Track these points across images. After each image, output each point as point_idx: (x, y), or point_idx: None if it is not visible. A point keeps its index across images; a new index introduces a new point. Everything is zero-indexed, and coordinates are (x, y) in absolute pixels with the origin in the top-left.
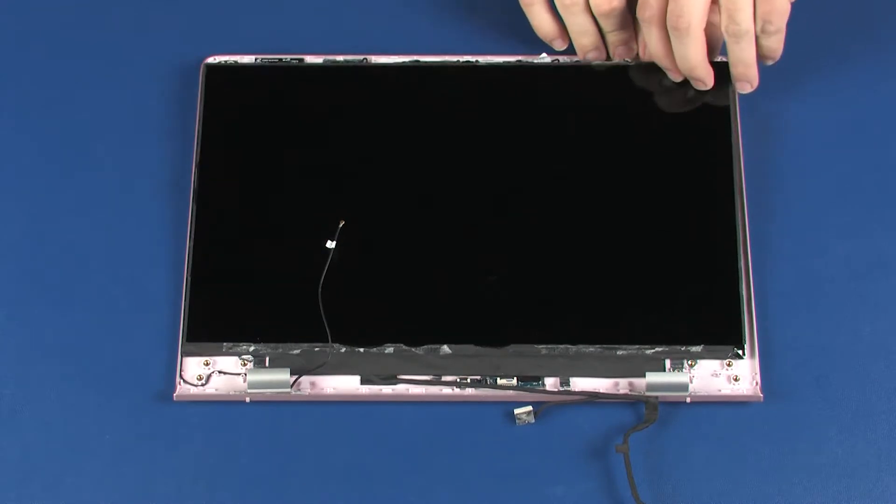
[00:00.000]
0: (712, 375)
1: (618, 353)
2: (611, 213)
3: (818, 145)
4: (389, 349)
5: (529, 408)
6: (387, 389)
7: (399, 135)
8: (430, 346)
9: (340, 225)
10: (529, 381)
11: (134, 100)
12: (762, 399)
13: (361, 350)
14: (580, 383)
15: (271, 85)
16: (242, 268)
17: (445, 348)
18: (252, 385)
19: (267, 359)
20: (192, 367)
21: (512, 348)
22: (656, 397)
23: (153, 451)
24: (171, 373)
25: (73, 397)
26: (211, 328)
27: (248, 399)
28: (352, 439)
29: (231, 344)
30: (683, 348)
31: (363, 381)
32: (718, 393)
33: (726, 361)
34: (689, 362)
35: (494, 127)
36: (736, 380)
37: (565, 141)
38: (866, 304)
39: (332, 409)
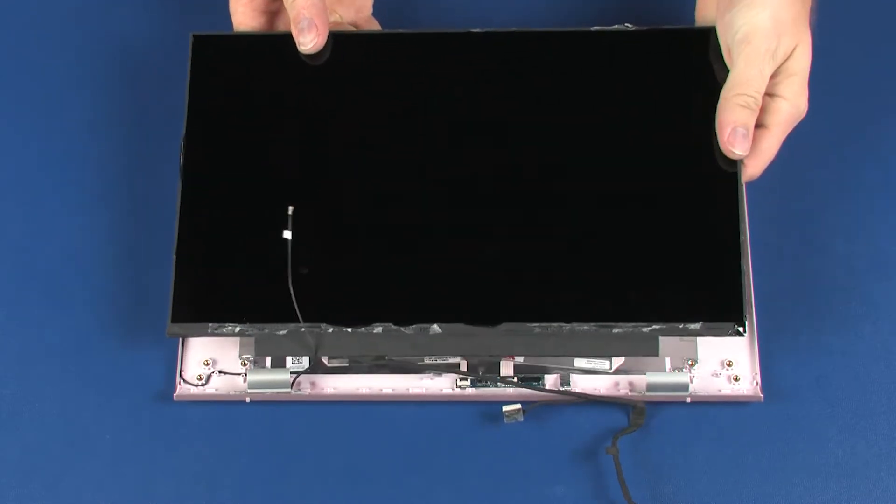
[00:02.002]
0: (712, 375)
1: (614, 331)
2: (608, 187)
3: (818, 145)
4: (378, 329)
5: (518, 406)
6: (387, 389)
7: (389, 107)
8: (419, 325)
9: (290, 211)
10: (529, 380)
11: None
12: (762, 399)
13: (349, 330)
14: (579, 380)
15: (261, 56)
16: (230, 247)
17: (435, 327)
18: (252, 385)
19: (268, 360)
20: (193, 367)
21: (504, 327)
22: (644, 402)
23: (153, 451)
24: (171, 373)
25: (73, 397)
26: (196, 309)
27: (248, 399)
28: (352, 439)
29: (217, 325)
30: (682, 325)
31: (351, 363)
32: (718, 393)
33: (727, 361)
34: (689, 362)
35: (487, 100)
36: (736, 380)
37: (562, 114)
38: (866, 304)
39: (332, 409)
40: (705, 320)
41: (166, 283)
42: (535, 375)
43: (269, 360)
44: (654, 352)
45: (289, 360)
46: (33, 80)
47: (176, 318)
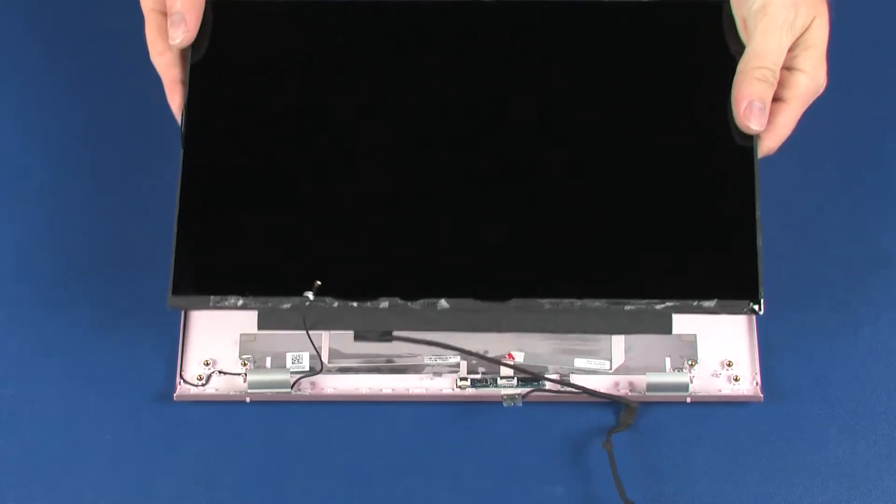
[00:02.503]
0: (712, 375)
1: (626, 308)
2: (622, 163)
3: (818, 145)
4: (384, 303)
5: (518, 390)
6: (386, 389)
7: (399, 76)
8: (426, 300)
9: (317, 284)
10: (529, 380)
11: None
12: (762, 399)
13: (355, 304)
14: (579, 380)
15: (277, 23)
16: (233, 219)
17: (443, 303)
18: (252, 385)
19: (268, 360)
20: (193, 367)
21: (514, 303)
22: (637, 403)
23: (153, 451)
24: (171, 373)
25: (73, 397)
26: (198, 281)
27: (248, 399)
28: (352, 439)
29: (219, 297)
30: (695, 303)
31: (357, 338)
32: (718, 393)
33: (727, 361)
34: (689, 362)
35: (499, 68)
36: (736, 380)
37: (573, 87)
38: (866, 304)
39: (332, 409)
40: (720, 298)
41: (166, 283)
42: (536, 376)
43: (269, 360)
44: (667, 329)
45: (289, 360)
46: (33, 79)
47: (177, 291)
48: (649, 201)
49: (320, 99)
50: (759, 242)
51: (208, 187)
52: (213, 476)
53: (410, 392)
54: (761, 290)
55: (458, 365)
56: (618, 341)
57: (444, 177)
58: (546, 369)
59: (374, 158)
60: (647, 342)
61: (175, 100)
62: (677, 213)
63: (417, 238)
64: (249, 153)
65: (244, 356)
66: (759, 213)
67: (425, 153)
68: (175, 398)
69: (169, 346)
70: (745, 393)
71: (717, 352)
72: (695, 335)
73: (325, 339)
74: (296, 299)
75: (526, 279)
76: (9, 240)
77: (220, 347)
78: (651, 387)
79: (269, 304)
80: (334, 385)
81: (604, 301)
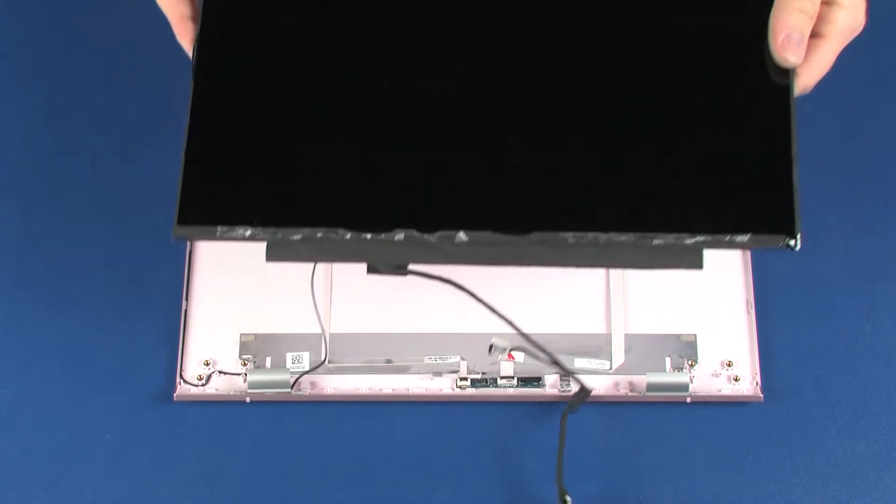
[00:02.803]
0: (712, 375)
1: (654, 242)
2: (654, 93)
3: (818, 145)
4: (399, 235)
5: (509, 343)
6: (387, 389)
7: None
8: (444, 232)
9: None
10: (529, 380)
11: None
12: (762, 399)
13: (368, 236)
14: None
15: None
16: (243, 148)
17: (461, 235)
18: (252, 385)
19: (268, 360)
20: (193, 367)
21: (535, 236)
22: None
23: (153, 451)
24: (171, 373)
25: (73, 397)
26: (205, 210)
27: (248, 399)
28: (352, 439)
29: (226, 227)
30: (728, 237)
31: (369, 271)
32: (718, 393)
33: (727, 361)
34: (689, 362)
35: None
36: (736, 380)
37: (606, 18)
38: (866, 304)
39: (332, 408)
40: (754, 232)
41: (167, 282)
42: (535, 376)
43: (268, 360)
44: (697, 264)
45: (289, 360)
46: (32, 78)
47: (183, 220)
48: (682, 133)
49: (336, 26)
50: (796, 178)
51: (218, 116)
52: (213, 476)
53: (410, 392)
54: (798, 224)
55: (458, 365)
56: (618, 341)
57: (464, 106)
58: (544, 369)
59: (390, 84)
60: (647, 342)
61: (186, 35)
62: (710, 146)
63: (435, 167)
64: (261, 83)
65: (244, 356)
66: (795, 149)
67: (447, 78)
68: (175, 398)
69: (169, 347)
70: (745, 393)
71: (717, 352)
72: (695, 335)
73: (324, 339)
74: (307, 230)
75: (549, 210)
76: (9, 240)
77: (220, 347)
78: (651, 387)
79: (279, 235)
80: (334, 385)
81: (631, 235)
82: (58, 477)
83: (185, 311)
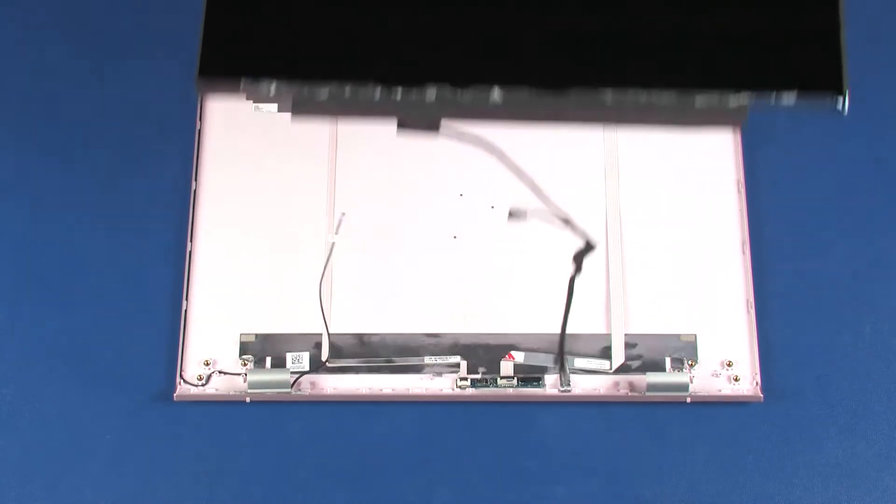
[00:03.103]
0: (712, 375)
1: (696, 102)
2: None
3: (818, 145)
4: (431, 92)
5: (526, 210)
6: (387, 389)
7: None
8: (478, 88)
9: (341, 216)
10: (529, 380)
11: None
12: (762, 399)
13: (399, 92)
14: (579, 381)
15: None
16: None
17: (496, 92)
18: (252, 385)
19: (268, 360)
20: (193, 367)
21: (573, 94)
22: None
23: (153, 451)
24: (171, 373)
25: (73, 397)
26: (228, 61)
27: (248, 399)
28: (352, 439)
29: (251, 80)
30: (774, 94)
31: (400, 127)
32: (718, 393)
33: (727, 361)
34: (689, 362)
35: None
36: (736, 380)
37: None
38: (866, 304)
39: (332, 409)
40: (801, 88)
41: (166, 282)
42: (535, 376)
43: (268, 360)
44: (742, 119)
45: (289, 360)
46: (32, 78)
47: (205, 71)
48: None
49: None
50: (844, 37)
51: None
52: (213, 476)
53: (410, 392)
54: (846, 83)
55: (458, 365)
56: (618, 341)
57: None
58: (546, 369)
59: None
60: (647, 342)
61: None
62: (755, 3)
63: (469, 18)
64: None
65: (244, 356)
66: (841, 5)
67: None
68: (175, 398)
69: (169, 347)
70: (745, 393)
71: (717, 352)
72: (695, 335)
73: (324, 339)
74: (334, 87)
75: (588, 66)
76: (9, 240)
77: (220, 347)
78: (651, 387)
79: (306, 91)
80: (334, 385)
81: (672, 92)
82: (58, 477)
83: (185, 311)
